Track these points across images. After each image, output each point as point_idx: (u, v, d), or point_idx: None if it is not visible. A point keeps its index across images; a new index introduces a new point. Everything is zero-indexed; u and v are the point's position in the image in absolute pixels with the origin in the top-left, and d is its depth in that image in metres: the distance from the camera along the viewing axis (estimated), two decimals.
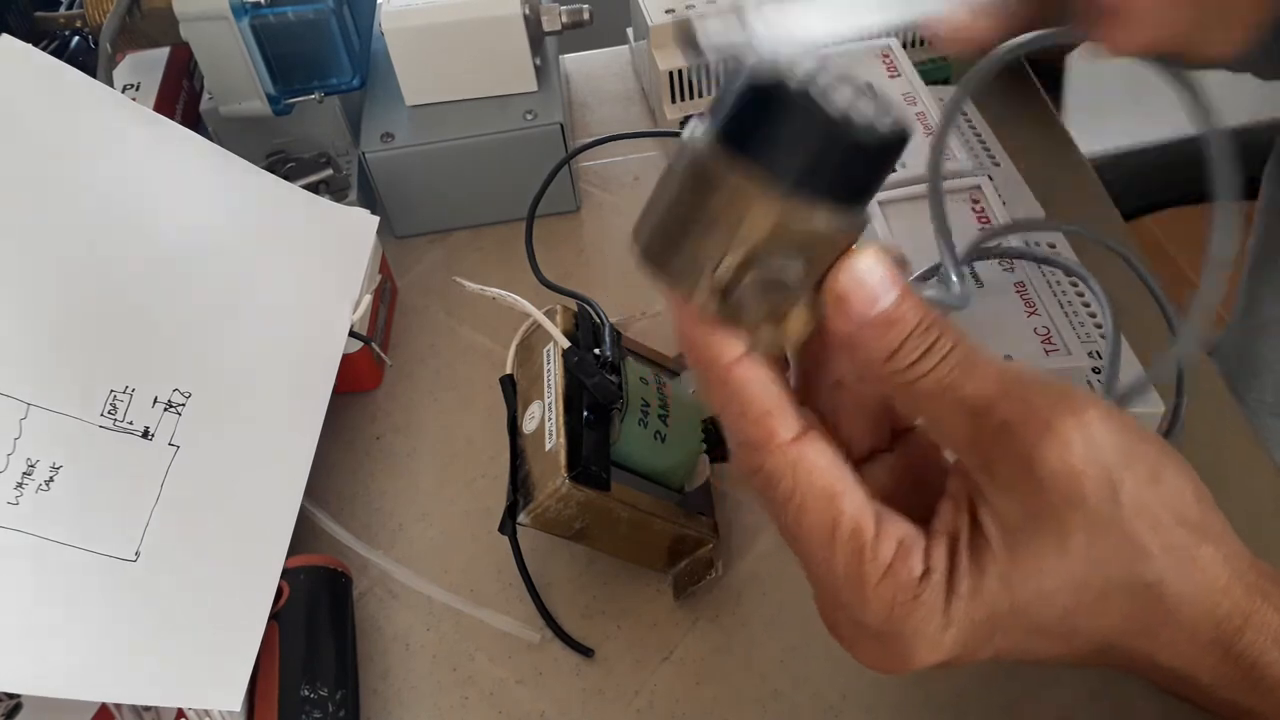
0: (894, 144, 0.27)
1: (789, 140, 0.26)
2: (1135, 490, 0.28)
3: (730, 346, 0.29)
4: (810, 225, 0.27)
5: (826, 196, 0.27)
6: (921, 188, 0.50)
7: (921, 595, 0.29)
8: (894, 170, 0.29)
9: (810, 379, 0.33)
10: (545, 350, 0.47)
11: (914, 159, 0.52)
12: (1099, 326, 0.47)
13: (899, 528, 0.30)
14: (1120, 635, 0.31)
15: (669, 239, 0.28)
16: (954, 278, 0.43)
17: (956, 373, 0.29)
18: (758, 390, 0.29)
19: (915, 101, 0.55)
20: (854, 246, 0.29)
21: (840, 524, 0.29)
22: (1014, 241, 0.48)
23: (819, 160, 0.27)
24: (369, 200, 0.63)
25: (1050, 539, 0.29)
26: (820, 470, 0.29)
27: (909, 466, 0.33)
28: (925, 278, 0.46)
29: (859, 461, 0.33)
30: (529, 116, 0.61)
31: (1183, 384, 0.48)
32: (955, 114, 0.43)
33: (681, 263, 0.28)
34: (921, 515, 0.32)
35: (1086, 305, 0.48)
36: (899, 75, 0.56)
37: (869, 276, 0.28)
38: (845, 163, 0.27)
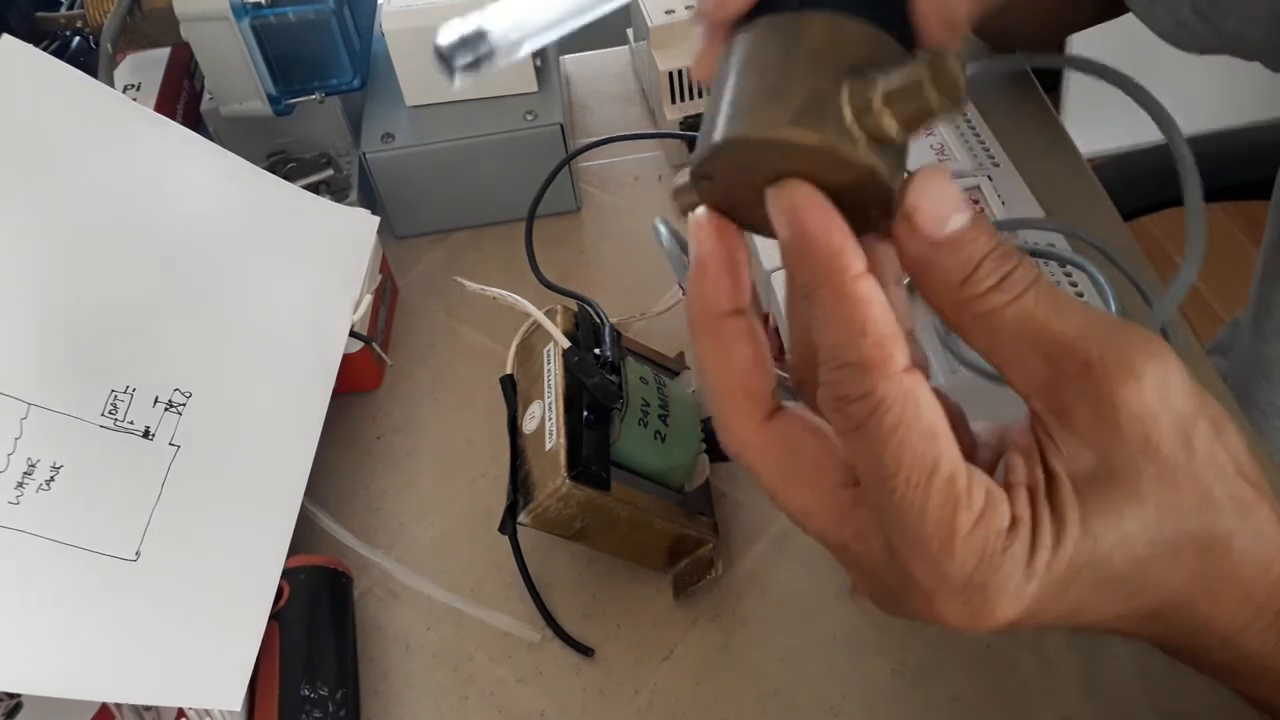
0: None
1: None
2: (1205, 440, 0.28)
3: (858, 258, 0.27)
4: (880, 40, 0.27)
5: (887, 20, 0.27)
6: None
7: (1011, 546, 0.28)
8: None
9: (802, 332, 0.32)
10: (545, 350, 0.47)
11: (915, 158, 0.52)
12: None
13: (984, 479, 0.28)
14: (1185, 592, 0.29)
15: (776, 94, 0.26)
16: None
17: (1041, 306, 0.27)
18: (880, 310, 0.27)
19: None
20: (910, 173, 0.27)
21: (940, 467, 0.27)
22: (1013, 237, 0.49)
23: None
24: (369, 200, 0.63)
25: (1126, 486, 0.28)
26: (928, 407, 0.27)
27: (950, 409, 0.32)
28: None
29: None
30: (529, 117, 0.61)
31: None
32: None
33: (799, 105, 0.26)
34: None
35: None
36: None
37: (941, 193, 0.27)
38: None
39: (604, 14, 0.27)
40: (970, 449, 0.31)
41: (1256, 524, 0.29)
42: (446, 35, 0.24)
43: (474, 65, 0.24)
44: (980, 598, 0.28)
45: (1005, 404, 0.43)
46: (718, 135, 0.27)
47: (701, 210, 0.29)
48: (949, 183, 0.27)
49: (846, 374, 0.27)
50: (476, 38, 0.24)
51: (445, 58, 0.24)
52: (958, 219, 0.27)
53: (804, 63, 0.27)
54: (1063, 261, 0.48)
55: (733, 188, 0.28)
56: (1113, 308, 0.46)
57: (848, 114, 0.26)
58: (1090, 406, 0.27)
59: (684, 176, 0.29)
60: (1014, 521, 0.28)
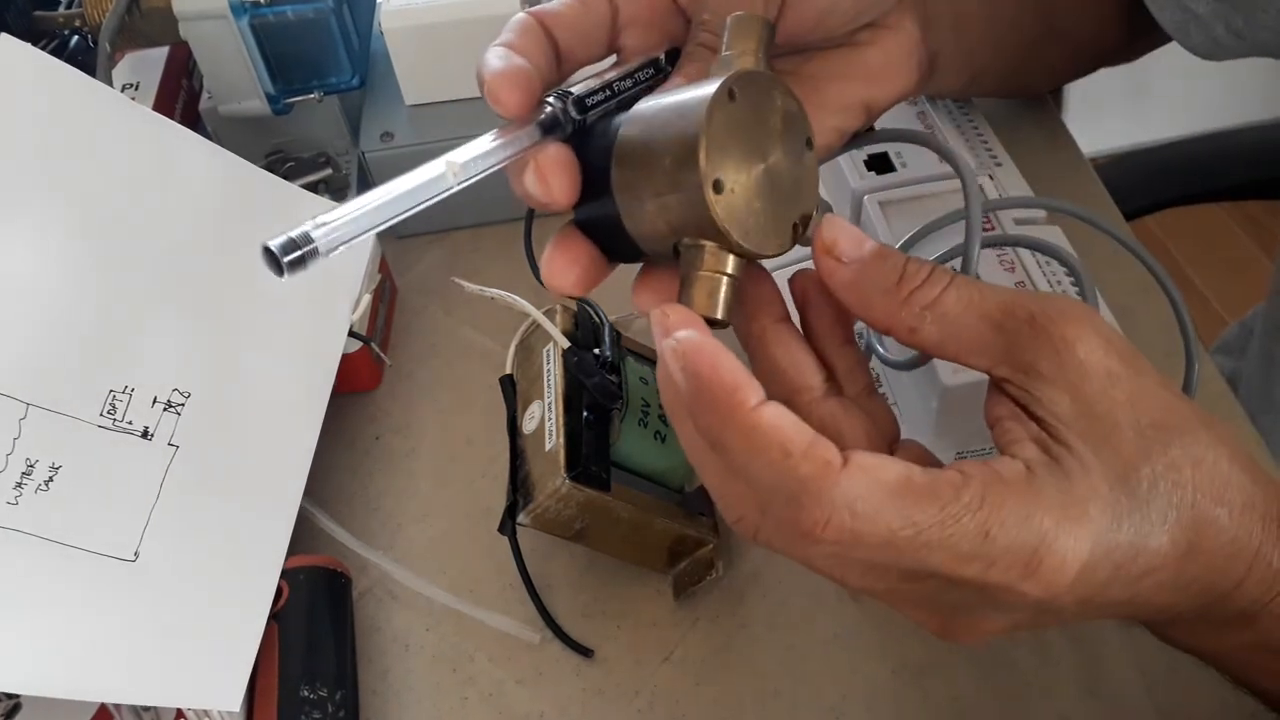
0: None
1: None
2: (1143, 361, 0.30)
3: (750, 393, 0.27)
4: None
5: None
6: (921, 187, 0.50)
7: (1042, 490, 0.28)
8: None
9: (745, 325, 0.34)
10: (545, 350, 0.47)
11: (914, 159, 0.52)
12: None
13: (964, 464, 0.29)
14: (1203, 508, 0.30)
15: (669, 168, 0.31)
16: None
17: (970, 287, 0.30)
18: (792, 426, 0.27)
19: (916, 101, 0.55)
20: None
21: (939, 491, 0.28)
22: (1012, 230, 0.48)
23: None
24: None
25: (1106, 416, 0.29)
26: (881, 466, 0.28)
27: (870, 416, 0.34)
28: None
29: None
30: None
31: (1191, 384, 0.47)
32: None
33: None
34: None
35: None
36: None
37: (846, 228, 0.31)
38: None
39: (422, 208, 0.31)
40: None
41: (1228, 444, 0.31)
42: (276, 237, 0.27)
43: (300, 263, 0.27)
44: (1053, 548, 0.28)
45: None
46: (692, 134, 0.30)
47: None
48: (843, 220, 0.31)
49: (798, 508, 0.27)
50: (302, 239, 0.27)
51: (273, 256, 0.27)
52: (868, 243, 0.31)
53: (677, 92, 0.32)
54: (1062, 261, 0.48)
55: (734, 186, 0.31)
56: (1101, 307, 0.46)
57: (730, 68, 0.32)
58: (1049, 354, 0.29)
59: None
60: (1030, 468, 0.29)
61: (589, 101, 0.33)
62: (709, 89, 0.30)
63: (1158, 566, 0.30)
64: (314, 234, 0.27)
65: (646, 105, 0.32)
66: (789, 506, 0.28)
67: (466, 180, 0.31)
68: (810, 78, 0.39)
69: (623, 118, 0.32)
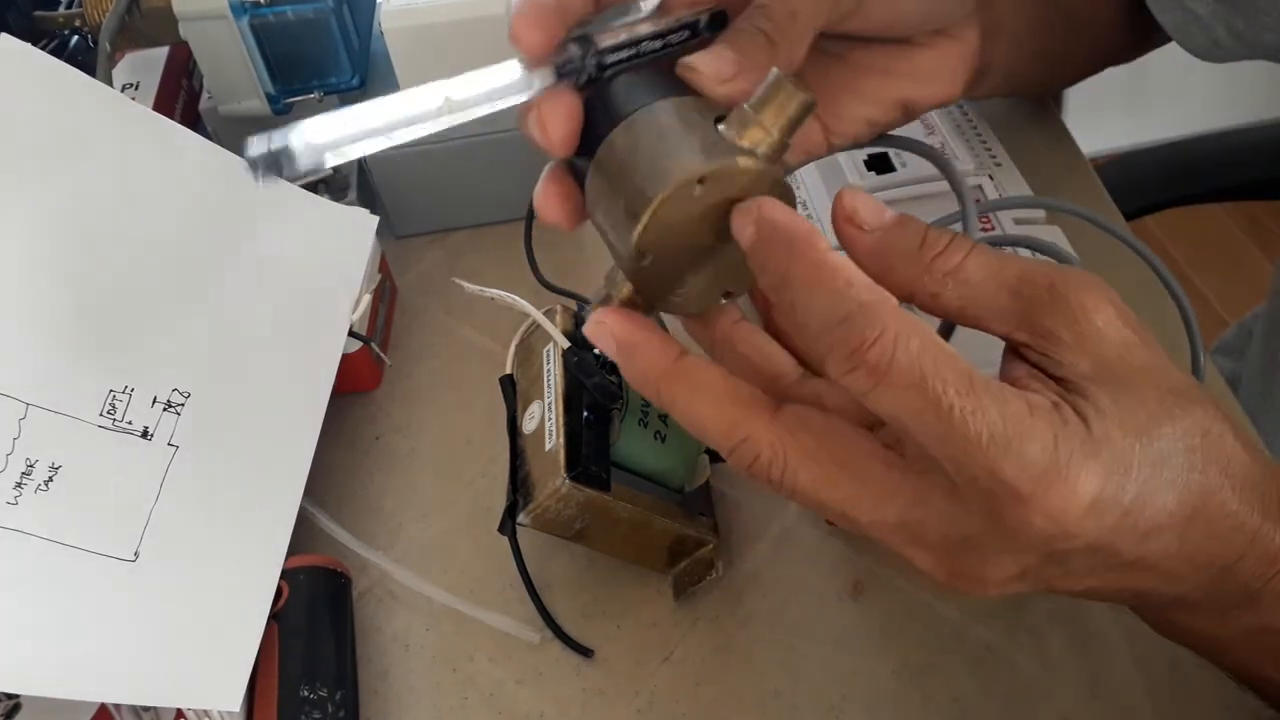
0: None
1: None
2: (1154, 341, 0.31)
3: (819, 238, 0.29)
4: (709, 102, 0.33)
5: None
6: (921, 187, 0.50)
7: (1068, 420, 0.28)
8: None
9: (702, 333, 0.35)
10: (545, 350, 0.47)
11: (914, 159, 0.52)
12: None
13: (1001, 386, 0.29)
14: (1209, 477, 0.30)
15: (682, 153, 0.31)
16: None
17: (992, 255, 0.30)
18: (857, 270, 0.29)
19: None
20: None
21: (974, 372, 0.28)
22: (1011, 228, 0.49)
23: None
24: (369, 200, 0.63)
25: (1124, 379, 0.29)
26: (931, 329, 0.29)
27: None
28: None
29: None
30: None
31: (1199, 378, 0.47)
32: None
33: (710, 146, 0.31)
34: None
35: None
36: None
37: (864, 195, 0.31)
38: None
39: (421, 135, 0.31)
40: None
41: (1233, 422, 0.31)
42: (256, 146, 0.28)
43: (275, 172, 0.28)
44: (1066, 476, 0.28)
45: None
46: (644, 202, 0.30)
47: (598, 312, 0.33)
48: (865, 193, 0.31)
49: (850, 326, 0.28)
50: (280, 153, 0.28)
51: (250, 165, 0.27)
52: (888, 210, 0.31)
53: (676, 130, 0.31)
54: (1061, 259, 0.48)
55: (662, 259, 0.31)
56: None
57: (738, 138, 0.30)
58: (1067, 321, 0.30)
59: (609, 285, 0.33)
60: (1056, 404, 0.29)
61: (608, 60, 0.33)
62: (689, 164, 0.30)
63: (1164, 525, 0.29)
64: (294, 144, 0.28)
65: (648, 119, 0.31)
66: (841, 327, 0.28)
67: (462, 116, 0.30)
68: (855, 65, 0.38)
69: (629, 110, 0.32)
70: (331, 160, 0.29)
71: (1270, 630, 0.32)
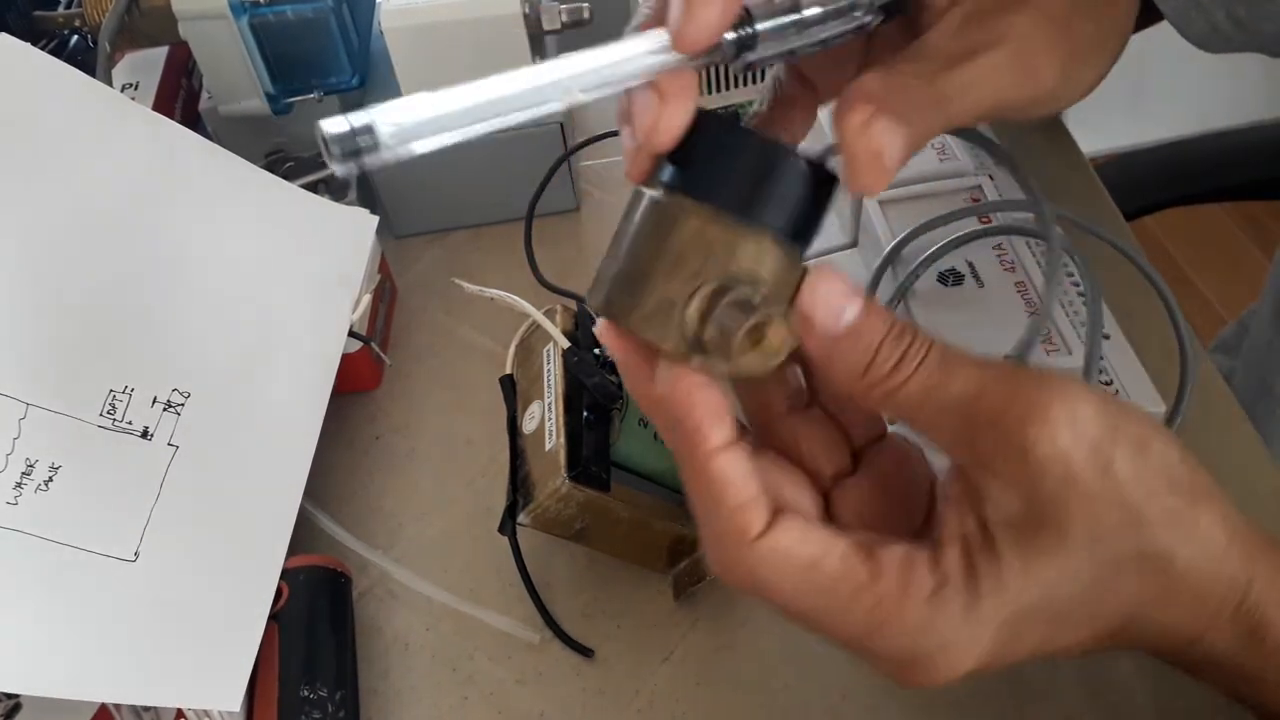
0: (825, 177, 0.29)
1: (739, 174, 0.28)
2: (1126, 462, 0.29)
3: (713, 430, 0.29)
4: (761, 252, 0.29)
5: (775, 225, 0.29)
6: (921, 187, 0.50)
7: (943, 608, 0.29)
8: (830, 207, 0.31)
9: (762, 418, 0.33)
10: (545, 350, 0.47)
11: (916, 160, 0.52)
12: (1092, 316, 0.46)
13: (894, 554, 0.30)
14: (1139, 606, 0.30)
15: (634, 286, 0.29)
16: None
17: (937, 374, 0.29)
18: (734, 486, 0.29)
19: None
20: (808, 272, 0.30)
21: (837, 586, 0.29)
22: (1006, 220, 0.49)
23: (768, 190, 0.29)
24: (368, 200, 0.63)
25: (1056, 523, 0.29)
26: (795, 548, 0.29)
27: (881, 483, 0.33)
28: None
29: (828, 490, 0.34)
30: None
31: (1186, 383, 0.47)
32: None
33: (649, 308, 0.29)
34: (907, 525, 0.32)
35: (1087, 305, 0.48)
36: None
37: (829, 294, 0.29)
38: (792, 193, 0.29)
39: (515, 124, 0.29)
40: (919, 488, 0.33)
41: (1196, 533, 0.30)
42: (336, 124, 0.25)
43: (354, 156, 0.25)
44: (930, 663, 0.30)
45: None
46: (594, 301, 0.31)
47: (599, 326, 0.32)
48: (838, 279, 0.29)
49: (720, 547, 0.30)
50: (364, 131, 0.25)
51: (326, 144, 0.25)
52: (850, 311, 0.29)
53: (667, 263, 0.29)
54: (1058, 249, 0.48)
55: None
56: (1090, 294, 0.46)
57: (688, 325, 0.29)
58: (1006, 455, 0.29)
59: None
60: (940, 582, 0.29)
61: (751, 57, 0.31)
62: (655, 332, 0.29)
63: (1076, 647, 0.31)
64: (380, 127, 0.25)
65: (687, 224, 0.29)
66: (713, 542, 0.30)
67: (583, 97, 0.28)
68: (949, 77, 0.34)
69: (707, 188, 0.29)
70: (421, 148, 0.27)
71: (1242, 681, 0.33)
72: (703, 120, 0.29)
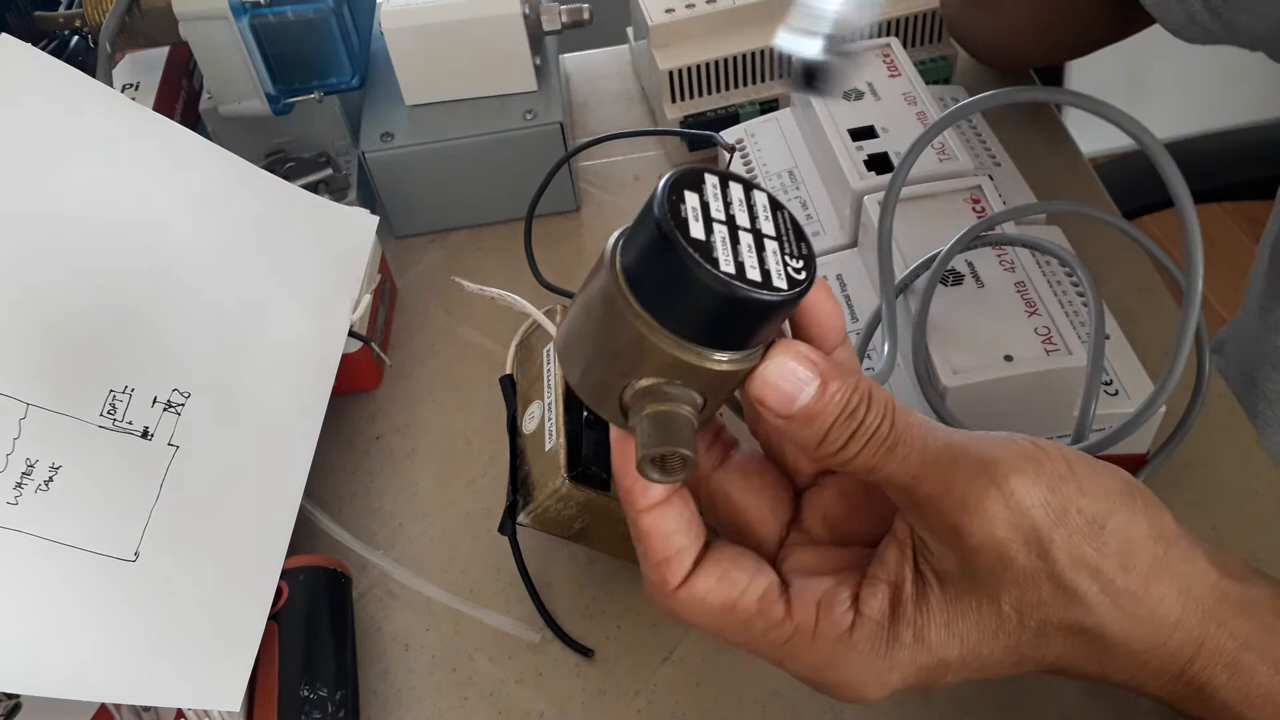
0: (778, 305, 0.28)
1: (681, 298, 0.27)
2: (1069, 545, 0.30)
3: (643, 494, 0.31)
4: (708, 367, 0.28)
5: (724, 344, 0.28)
6: (921, 187, 0.50)
7: (855, 644, 0.31)
8: (785, 321, 0.31)
9: (752, 412, 0.34)
10: (545, 350, 0.47)
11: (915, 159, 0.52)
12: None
13: (813, 591, 0.32)
14: (1068, 660, 0.32)
15: (581, 355, 0.30)
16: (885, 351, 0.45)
17: (879, 456, 0.30)
18: (658, 541, 0.32)
19: (915, 101, 0.55)
20: (768, 353, 0.30)
21: (751, 623, 0.32)
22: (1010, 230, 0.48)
23: (711, 318, 0.28)
24: (369, 200, 0.63)
25: (987, 589, 0.31)
26: (711, 595, 0.32)
27: (857, 486, 0.34)
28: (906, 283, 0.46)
29: (805, 488, 0.35)
30: (529, 116, 0.61)
31: (1202, 389, 0.47)
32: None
33: (589, 381, 0.30)
34: (876, 532, 0.33)
35: (1087, 305, 0.48)
36: (899, 74, 0.56)
37: (781, 380, 0.29)
38: (735, 321, 0.28)
39: None
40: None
41: (1140, 610, 0.31)
42: (807, 48, 0.25)
43: (842, 54, 0.25)
44: (845, 689, 0.32)
45: (1000, 401, 0.43)
46: (555, 346, 0.32)
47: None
48: (795, 363, 0.29)
49: (649, 587, 0.33)
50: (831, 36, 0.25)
51: (815, 71, 0.25)
52: (805, 394, 0.29)
53: (607, 352, 0.29)
54: (1062, 261, 0.48)
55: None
56: (1093, 303, 0.46)
57: (620, 406, 0.30)
58: (943, 528, 0.30)
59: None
60: (856, 619, 0.31)
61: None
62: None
63: (996, 678, 0.33)
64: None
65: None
66: (646, 582, 0.33)
67: None
68: None
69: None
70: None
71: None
72: (658, 234, 0.27)
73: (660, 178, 0.28)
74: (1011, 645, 0.32)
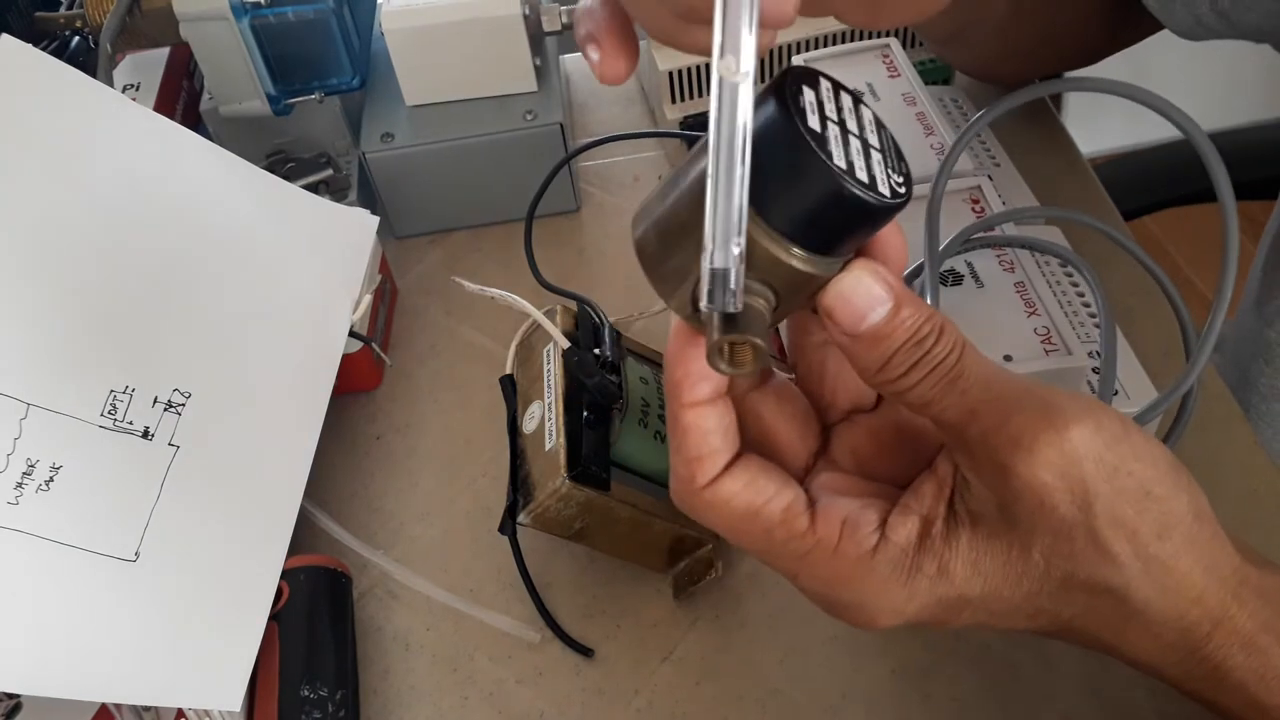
0: (880, 211, 0.28)
1: (784, 185, 0.27)
2: (1112, 503, 0.30)
3: (691, 388, 0.31)
4: (790, 264, 0.28)
5: (811, 244, 0.28)
6: (919, 188, 0.50)
7: (876, 565, 0.31)
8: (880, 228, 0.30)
9: (799, 337, 0.34)
10: (545, 350, 0.47)
11: (915, 158, 0.52)
12: (1099, 326, 0.46)
13: (840, 509, 0.32)
14: (1083, 622, 0.32)
15: (661, 242, 0.30)
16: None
17: (939, 389, 0.30)
18: (696, 437, 0.32)
19: (915, 102, 0.55)
20: (846, 267, 0.30)
21: (773, 531, 0.32)
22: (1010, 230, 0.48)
23: (808, 211, 0.28)
24: (369, 200, 0.63)
25: (1020, 534, 0.30)
26: (736, 498, 0.32)
27: (890, 427, 0.34)
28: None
29: (837, 421, 0.35)
30: (529, 116, 0.61)
31: (1193, 389, 0.47)
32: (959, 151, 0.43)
33: (666, 269, 0.30)
34: (903, 475, 0.33)
35: (1086, 305, 0.48)
36: (899, 75, 0.56)
37: (855, 294, 0.29)
38: (832, 219, 0.28)
39: None
40: (923, 443, 0.34)
41: (1170, 579, 0.31)
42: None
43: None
44: (860, 610, 0.32)
45: None
46: (633, 234, 0.31)
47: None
48: (872, 280, 0.29)
49: (676, 483, 0.33)
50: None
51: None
52: (876, 313, 0.29)
53: (693, 237, 0.28)
54: (1064, 261, 0.48)
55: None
56: (1102, 309, 0.46)
57: (693, 296, 0.29)
58: (990, 468, 0.30)
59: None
60: (881, 541, 0.31)
61: None
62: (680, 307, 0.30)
63: (1007, 628, 0.33)
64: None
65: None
66: (673, 478, 0.33)
67: None
68: None
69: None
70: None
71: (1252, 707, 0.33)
72: (779, 114, 0.27)
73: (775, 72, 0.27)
74: (1033, 592, 0.31)
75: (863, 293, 0.29)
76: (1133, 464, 0.30)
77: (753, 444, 0.34)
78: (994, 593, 0.31)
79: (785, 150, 0.27)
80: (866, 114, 0.30)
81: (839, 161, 0.27)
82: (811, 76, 0.28)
